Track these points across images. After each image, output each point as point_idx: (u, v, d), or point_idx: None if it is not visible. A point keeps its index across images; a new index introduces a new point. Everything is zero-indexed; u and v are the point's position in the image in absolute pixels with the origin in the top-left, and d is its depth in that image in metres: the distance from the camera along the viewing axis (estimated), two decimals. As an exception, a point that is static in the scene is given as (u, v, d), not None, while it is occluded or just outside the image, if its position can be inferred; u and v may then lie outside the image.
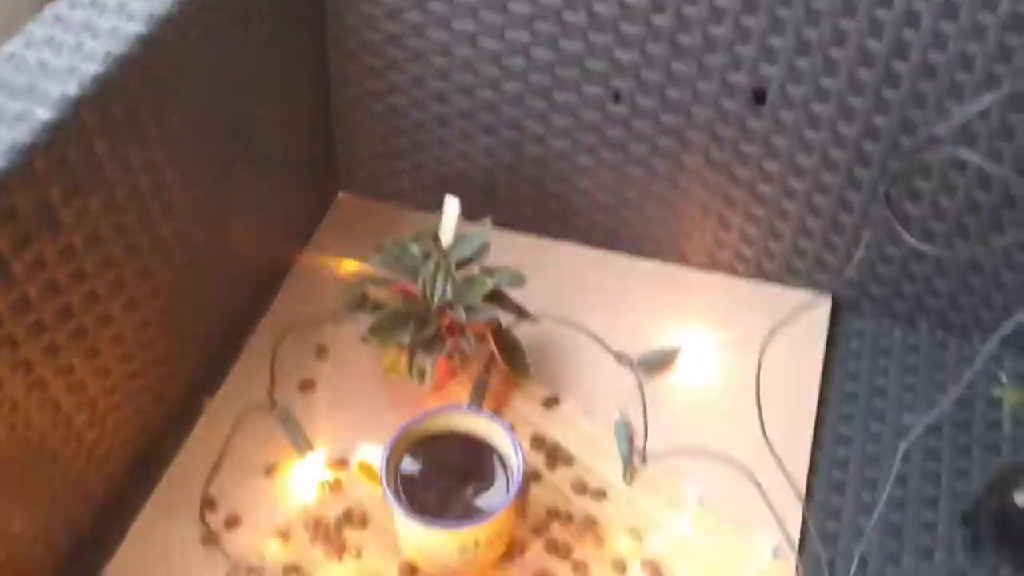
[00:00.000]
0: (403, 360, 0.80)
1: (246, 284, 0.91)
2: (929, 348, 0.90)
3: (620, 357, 0.87)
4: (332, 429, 0.83)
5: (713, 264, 0.95)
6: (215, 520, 0.76)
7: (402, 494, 0.70)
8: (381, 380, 0.85)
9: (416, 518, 0.67)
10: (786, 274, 0.93)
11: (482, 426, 0.73)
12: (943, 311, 0.90)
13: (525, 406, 0.85)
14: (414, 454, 0.73)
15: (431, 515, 0.68)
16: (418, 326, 0.76)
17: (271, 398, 0.84)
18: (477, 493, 0.71)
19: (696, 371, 0.88)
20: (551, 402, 0.85)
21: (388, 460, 0.70)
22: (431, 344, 0.77)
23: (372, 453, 0.72)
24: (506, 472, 0.72)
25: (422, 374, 0.78)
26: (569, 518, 0.77)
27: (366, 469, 0.75)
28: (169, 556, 0.74)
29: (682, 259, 0.96)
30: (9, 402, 0.61)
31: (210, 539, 0.75)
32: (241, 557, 0.74)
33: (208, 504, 0.77)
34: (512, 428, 0.72)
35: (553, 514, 0.77)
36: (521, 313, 0.83)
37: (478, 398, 0.83)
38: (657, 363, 0.87)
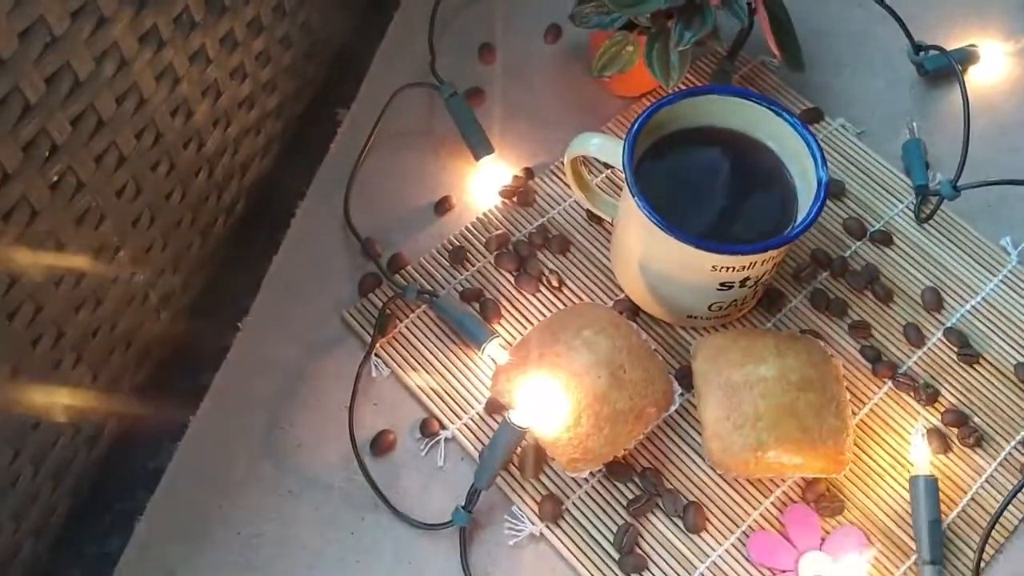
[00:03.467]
0: (628, 48, 0.56)
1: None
2: None
3: (918, 51, 0.63)
4: (511, 139, 0.61)
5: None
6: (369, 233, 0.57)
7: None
8: (571, 86, 0.63)
9: (675, 232, 0.46)
10: None
11: (762, 122, 0.51)
12: None
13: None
14: (658, 153, 0.51)
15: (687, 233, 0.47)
16: (674, -14, 0.52)
17: (435, 74, 0.62)
18: (747, 214, 0.50)
19: (1009, 79, 0.64)
20: (813, 114, 0.62)
21: (630, 153, 0.49)
22: (690, 17, 0.54)
23: (598, 145, 0.51)
24: (790, 188, 0.51)
25: (667, 64, 0.55)
26: (843, 267, 0.57)
27: (579, 171, 0.54)
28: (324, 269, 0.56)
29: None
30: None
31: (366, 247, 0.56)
32: (404, 278, 0.55)
33: (370, 242, 0.58)
34: (808, 127, 0.50)
35: (821, 260, 0.56)
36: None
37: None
38: (959, 64, 0.62)
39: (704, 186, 0.51)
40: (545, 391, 0.46)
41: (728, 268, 0.48)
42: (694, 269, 0.48)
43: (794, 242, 0.48)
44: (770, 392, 0.46)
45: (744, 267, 0.48)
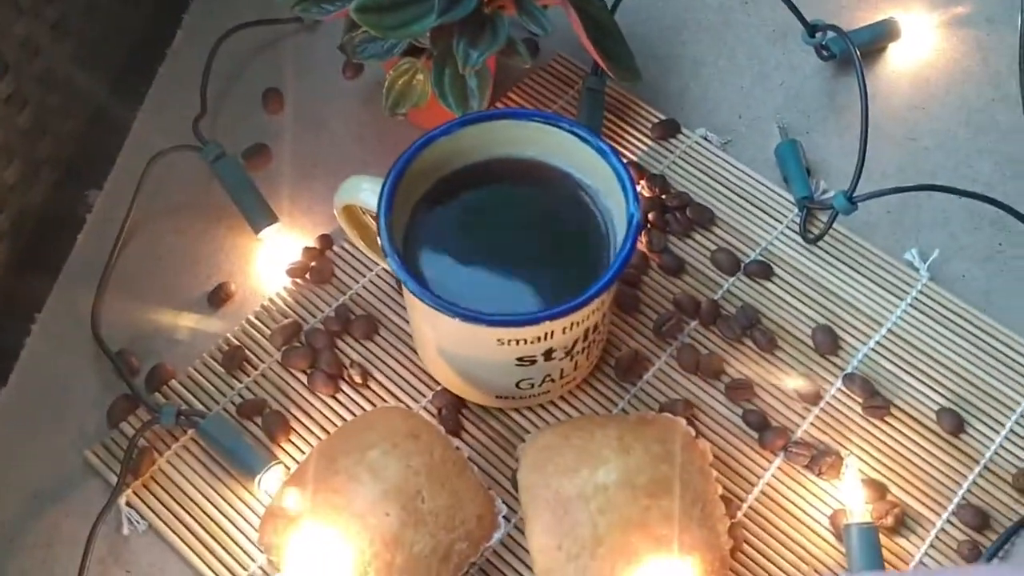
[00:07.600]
0: (419, 76, 0.46)
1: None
2: None
3: (813, 32, 0.51)
4: (304, 202, 0.50)
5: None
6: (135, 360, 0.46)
7: (420, 268, 0.38)
8: (376, 128, 0.52)
9: (430, 299, 0.35)
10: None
11: (564, 149, 0.40)
12: None
13: (625, 134, 0.52)
14: (438, 196, 0.40)
15: (470, 304, 0.36)
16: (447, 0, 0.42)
17: (197, 134, 0.50)
18: (551, 265, 0.39)
19: (922, 56, 0.54)
20: (668, 128, 0.52)
21: (389, 198, 0.37)
22: (476, 31, 0.43)
23: (370, 191, 0.39)
24: (604, 229, 0.40)
25: (463, 92, 0.44)
26: (714, 313, 0.46)
27: (356, 218, 0.43)
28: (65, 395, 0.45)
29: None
30: None
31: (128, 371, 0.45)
32: (166, 397, 0.44)
33: (125, 356, 0.46)
34: (618, 154, 0.39)
35: (686, 307, 0.46)
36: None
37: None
38: (865, 48, 0.53)
39: (497, 236, 0.40)
40: (320, 545, 0.35)
41: (516, 341, 0.37)
42: (480, 344, 0.38)
43: (612, 295, 0.38)
44: (612, 505, 0.35)
45: (538, 338, 0.37)
